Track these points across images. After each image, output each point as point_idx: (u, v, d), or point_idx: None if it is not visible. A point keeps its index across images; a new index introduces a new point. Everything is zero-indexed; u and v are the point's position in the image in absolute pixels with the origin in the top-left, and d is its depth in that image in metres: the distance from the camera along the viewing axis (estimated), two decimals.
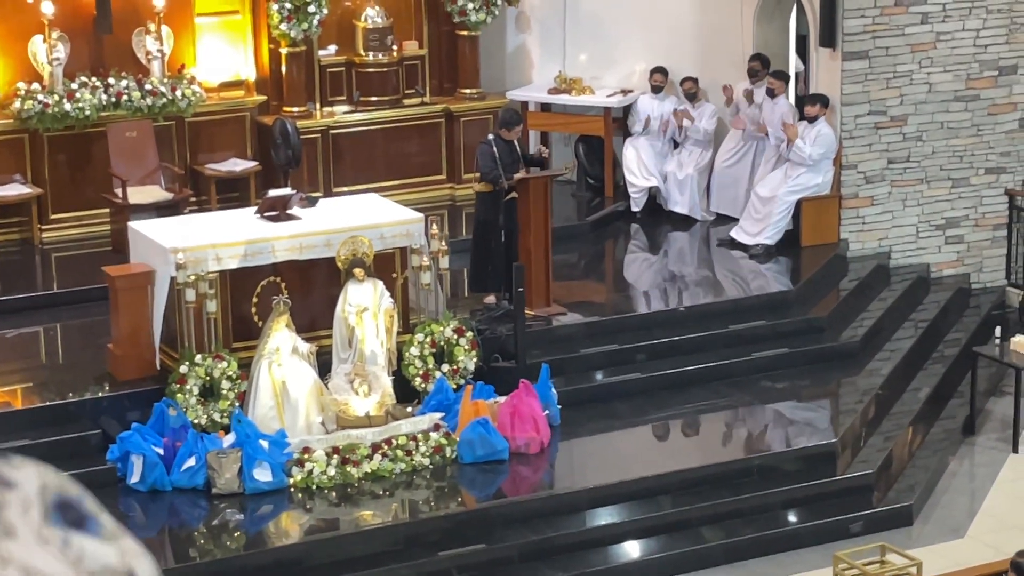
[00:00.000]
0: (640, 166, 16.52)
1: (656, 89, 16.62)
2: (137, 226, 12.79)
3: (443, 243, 12.87)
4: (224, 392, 11.92)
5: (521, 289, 12.75)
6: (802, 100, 16.12)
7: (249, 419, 11.64)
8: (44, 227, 15.27)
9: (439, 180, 16.72)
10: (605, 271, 15.95)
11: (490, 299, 13.73)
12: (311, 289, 12.55)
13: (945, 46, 15.52)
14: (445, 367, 12.60)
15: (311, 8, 15.76)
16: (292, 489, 11.47)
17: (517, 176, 13.42)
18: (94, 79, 15.25)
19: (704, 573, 11.41)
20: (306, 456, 11.53)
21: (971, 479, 12.99)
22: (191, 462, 11.41)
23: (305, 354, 11.97)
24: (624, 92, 16.98)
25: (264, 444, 11.44)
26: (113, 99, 15.24)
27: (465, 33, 16.79)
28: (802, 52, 17.14)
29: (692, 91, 16.49)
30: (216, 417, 11.89)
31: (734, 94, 16.15)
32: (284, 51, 16.00)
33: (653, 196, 16.58)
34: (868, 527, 11.82)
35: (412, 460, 11.76)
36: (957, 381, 14.23)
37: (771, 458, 12.19)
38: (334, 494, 11.48)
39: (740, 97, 16.18)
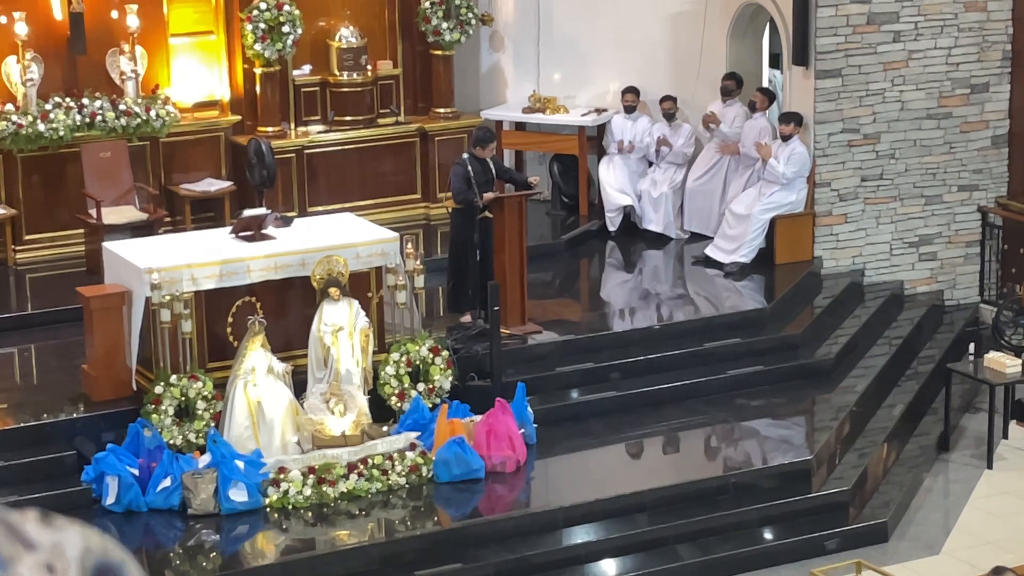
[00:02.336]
0: (614, 185, 16.53)
1: (628, 109, 16.64)
2: (112, 246, 12.76)
3: (418, 262, 12.88)
4: (199, 412, 11.89)
5: (496, 308, 12.76)
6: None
7: (224, 439, 11.61)
8: (18, 248, 15.23)
9: (414, 199, 16.72)
10: (580, 289, 15.96)
11: (466, 318, 13.73)
12: (286, 309, 12.54)
13: (917, 64, 15.59)
14: (421, 386, 12.59)
15: (285, 28, 15.77)
16: (268, 509, 11.45)
17: (488, 196, 13.41)
18: (68, 100, 15.22)
19: None
20: (282, 476, 11.51)
21: (946, 495, 13.02)
22: (166, 483, 11.38)
23: (280, 374, 11.95)
24: (598, 111, 17.00)
25: (240, 464, 11.42)
26: (87, 120, 15.21)
27: (439, 53, 16.81)
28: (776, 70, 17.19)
29: (671, 111, 16.47)
30: (191, 437, 11.86)
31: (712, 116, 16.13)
32: (258, 71, 16.00)
33: (628, 214, 16.60)
34: (843, 544, 11.83)
35: (388, 479, 11.75)
36: (931, 398, 14.27)
37: (747, 475, 12.20)
38: (310, 514, 11.46)
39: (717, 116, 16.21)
